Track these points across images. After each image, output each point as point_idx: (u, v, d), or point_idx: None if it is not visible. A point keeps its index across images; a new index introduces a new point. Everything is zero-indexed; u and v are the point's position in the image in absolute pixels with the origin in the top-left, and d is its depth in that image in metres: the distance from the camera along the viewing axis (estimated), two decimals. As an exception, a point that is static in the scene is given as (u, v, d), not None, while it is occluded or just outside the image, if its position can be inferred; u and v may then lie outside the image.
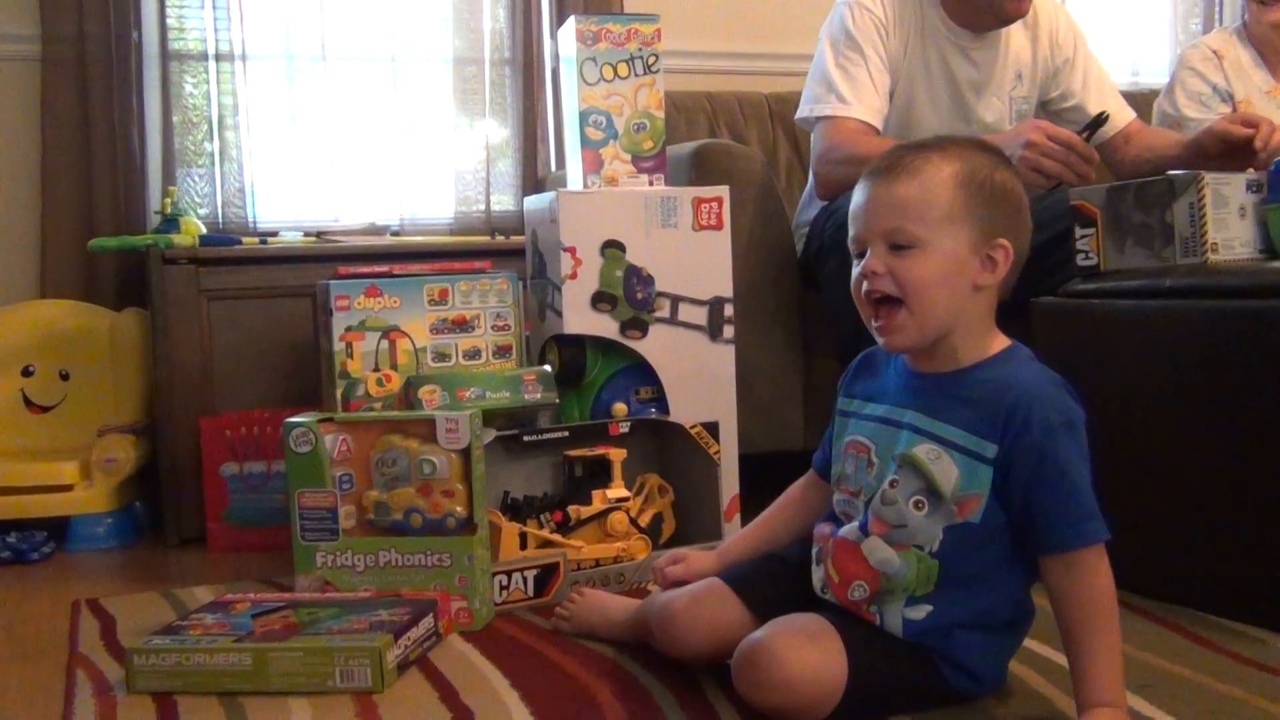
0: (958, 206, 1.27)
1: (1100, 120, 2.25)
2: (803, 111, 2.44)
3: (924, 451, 1.29)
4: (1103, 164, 2.48)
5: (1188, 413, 1.60)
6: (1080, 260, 1.94)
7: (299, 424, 1.76)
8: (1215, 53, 2.77)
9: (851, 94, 2.33)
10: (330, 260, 2.44)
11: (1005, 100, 2.46)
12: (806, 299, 2.43)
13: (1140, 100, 3.14)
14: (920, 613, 1.29)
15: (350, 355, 2.01)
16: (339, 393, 2.01)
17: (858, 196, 1.33)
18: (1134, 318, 1.77)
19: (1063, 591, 1.23)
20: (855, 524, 1.34)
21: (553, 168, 3.11)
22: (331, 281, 2.03)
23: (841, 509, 1.39)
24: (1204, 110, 2.71)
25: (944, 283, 1.27)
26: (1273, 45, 2.76)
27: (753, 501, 2.22)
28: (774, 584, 1.45)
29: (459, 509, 1.74)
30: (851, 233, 1.33)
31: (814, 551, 1.42)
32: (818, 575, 1.39)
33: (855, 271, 1.32)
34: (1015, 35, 2.45)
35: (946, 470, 1.27)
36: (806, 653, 1.26)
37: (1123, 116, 2.51)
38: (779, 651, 1.26)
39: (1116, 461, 1.64)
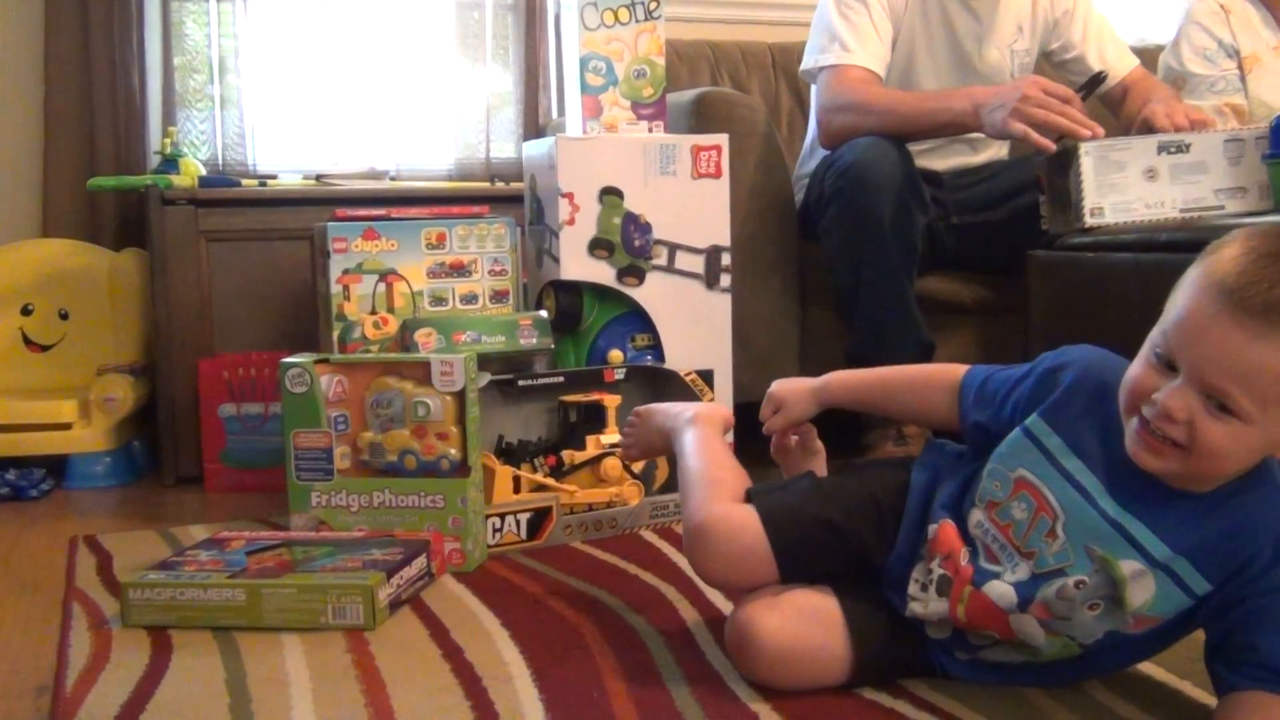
0: None
1: (1099, 79, 2.25)
2: (807, 63, 2.43)
3: (1130, 569, 1.11)
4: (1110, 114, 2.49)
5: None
6: (1042, 224, 2.03)
7: (295, 364, 1.77)
8: (1223, 7, 2.74)
9: (855, 42, 2.32)
10: (329, 203, 2.44)
11: (1006, 52, 2.44)
12: (805, 249, 2.42)
13: (1147, 55, 3.12)
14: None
15: (347, 298, 2.01)
16: (335, 335, 2.01)
17: (1200, 304, 1.03)
18: (1127, 270, 1.78)
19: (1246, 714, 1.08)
20: (1010, 589, 1.17)
21: (555, 115, 3.10)
22: (329, 224, 2.03)
23: (985, 541, 1.20)
24: (1209, 66, 2.69)
25: (1240, 462, 1.07)
26: (1280, 2, 2.74)
27: (747, 450, 2.23)
28: (818, 561, 1.31)
29: (453, 451, 1.75)
30: (1170, 340, 1.06)
31: (932, 571, 1.23)
32: (932, 605, 1.23)
33: (1146, 377, 1.08)
34: None
35: (1143, 589, 1.12)
36: (793, 631, 1.25)
37: (1122, 66, 2.50)
38: (766, 632, 1.25)
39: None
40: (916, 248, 2.17)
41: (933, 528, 1.24)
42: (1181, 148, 1.97)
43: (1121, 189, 1.95)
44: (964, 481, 1.26)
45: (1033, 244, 2.06)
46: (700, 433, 1.51)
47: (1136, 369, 1.10)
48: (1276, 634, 1.08)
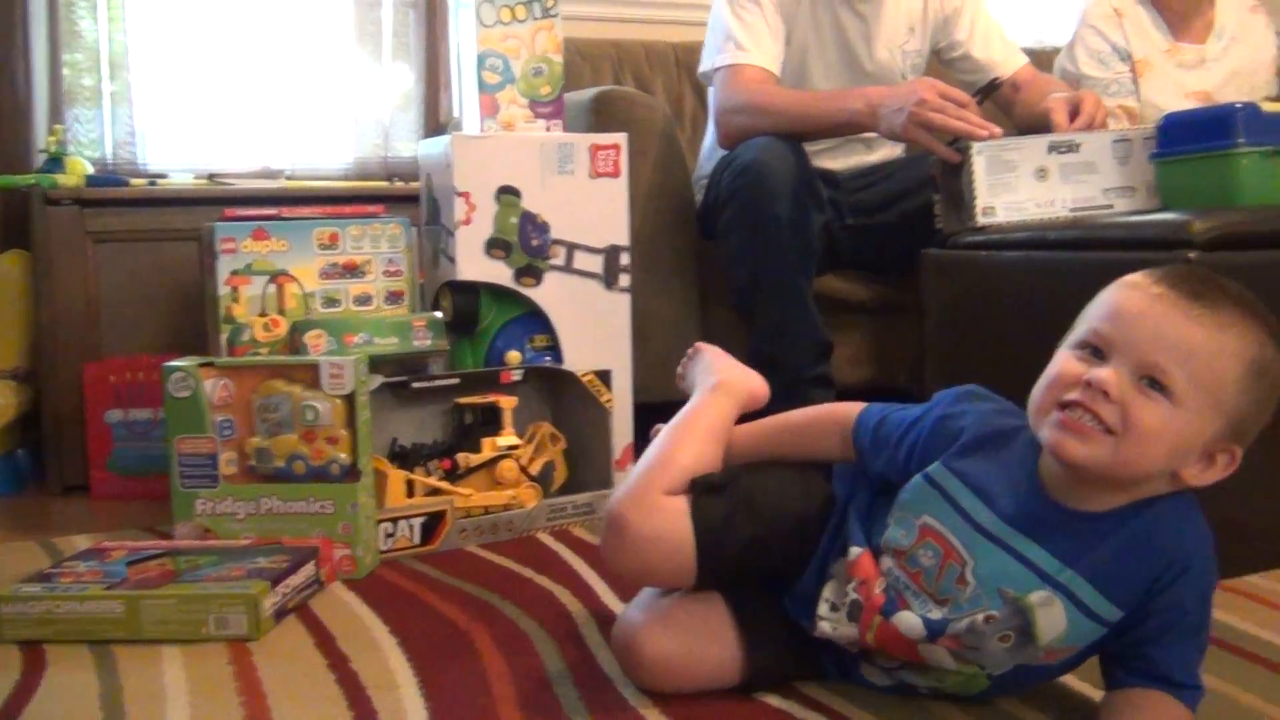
0: (1233, 392, 1.04)
1: (993, 86, 2.26)
2: (704, 66, 2.43)
3: (1038, 598, 1.09)
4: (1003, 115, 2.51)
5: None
6: (936, 223, 2.05)
7: (178, 368, 1.72)
8: (1116, 11, 2.79)
9: (750, 41, 2.32)
10: (219, 203, 2.38)
11: (896, 53, 2.46)
12: (705, 249, 2.42)
13: (1044, 58, 3.17)
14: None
15: (236, 299, 1.97)
16: (224, 338, 1.97)
17: (1136, 299, 1.07)
18: (1018, 268, 1.79)
19: (1135, 708, 1.11)
20: (918, 621, 1.15)
21: (455, 114, 3.06)
22: (217, 224, 1.98)
23: (897, 588, 1.17)
24: (1103, 69, 2.73)
25: (1165, 451, 1.05)
26: (1171, 6, 2.79)
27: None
28: (736, 576, 1.28)
29: (343, 455, 1.71)
30: (1101, 329, 1.07)
31: (847, 594, 1.20)
32: (842, 628, 1.20)
33: (1071, 365, 1.07)
34: None
35: (1054, 621, 1.10)
36: (679, 643, 1.24)
37: (1010, 65, 2.52)
38: (650, 645, 1.24)
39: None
40: (814, 247, 2.18)
41: (854, 551, 1.22)
42: (1071, 148, 1.99)
43: (1013, 188, 1.97)
44: (877, 511, 1.24)
45: (927, 243, 2.07)
46: (704, 401, 1.43)
47: (1057, 364, 1.09)
48: (1170, 647, 1.10)
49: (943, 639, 1.14)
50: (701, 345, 1.59)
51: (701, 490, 1.28)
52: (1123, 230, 1.69)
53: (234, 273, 1.97)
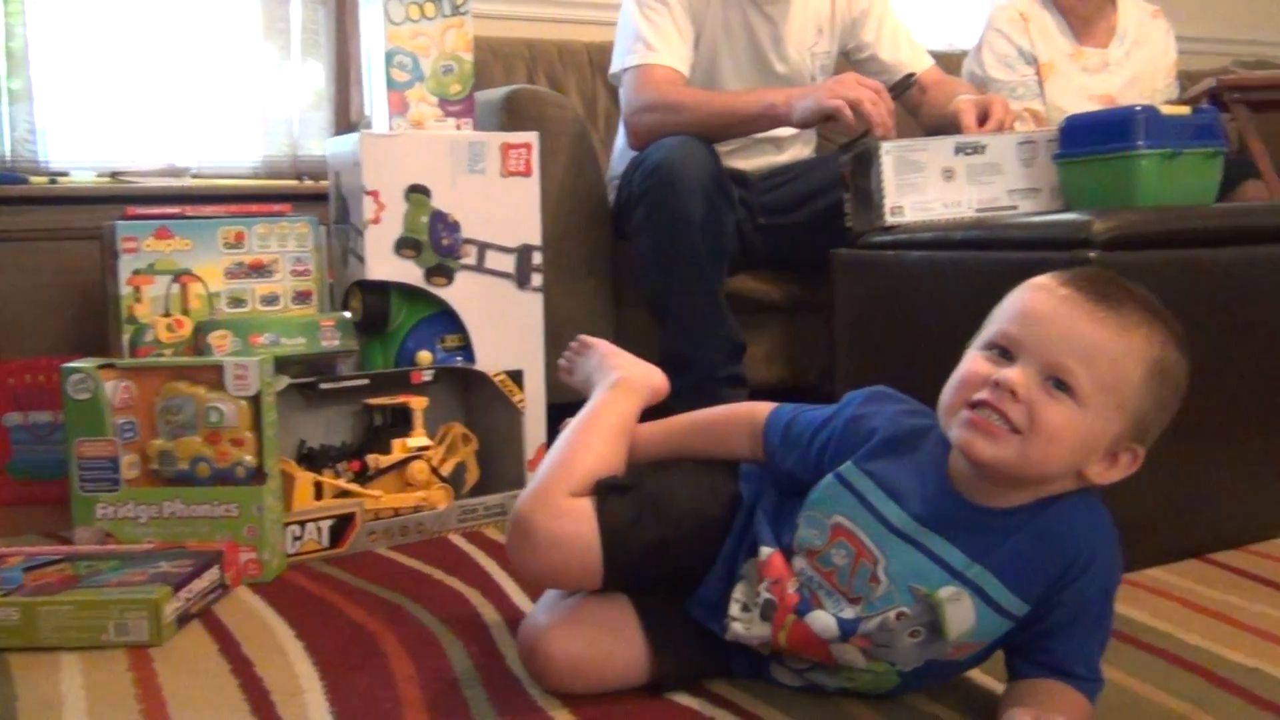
0: (1136, 393, 1.06)
1: (908, 83, 2.29)
2: (614, 68, 2.43)
3: (946, 593, 1.11)
4: (909, 115, 2.54)
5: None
6: (846, 222, 2.08)
7: (77, 370, 1.68)
8: (1021, 15, 2.84)
9: (659, 42, 2.33)
10: (122, 201, 2.32)
11: (805, 54, 2.48)
12: (618, 249, 2.42)
13: (952, 61, 3.21)
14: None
15: (138, 299, 1.93)
16: (126, 339, 1.92)
17: (1044, 300, 1.09)
18: (924, 267, 1.82)
19: (1053, 696, 1.12)
20: (832, 621, 1.15)
21: (366, 112, 3.03)
22: (118, 222, 1.94)
23: (811, 587, 1.18)
24: (1009, 72, 2.78)
25: (1070, 450, 1.07)
26: (1075, 11, 2.84)
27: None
28: (643, 580, 1.27)
29: (248, 458, 1.68)
30: (1008, 330, 1.09)
31: (759, 595, 1.21)
32: (755, 628, 1.21)
33: (979, 366, 1.09)
34: None
35: (962, 616, 1.11)
36: (584, 643, 1.24)
37: (917, 66, 2.55)
38: (556, 646, 1.24)
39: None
40: (726, 247, 2.19)
41: (765, 551, 1.22)
42: (977, 149, 2.02)
43: (920, 188, 1.99)
44: (784, 511, 1.24)
45: (838, 243, 2.09)
46: (605, 399, 1.42)
47: (966, 365, 1.11)
48: (1071, 641, 1.12)
49: (855, 638, 1.14)
50: (589, 339, 1.58)
51: (606, 492, 1.27)
52: (1025, 230, 1.72)
53: (136, 272, 1.93)
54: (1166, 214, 1.70)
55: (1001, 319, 1.11)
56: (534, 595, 1.56)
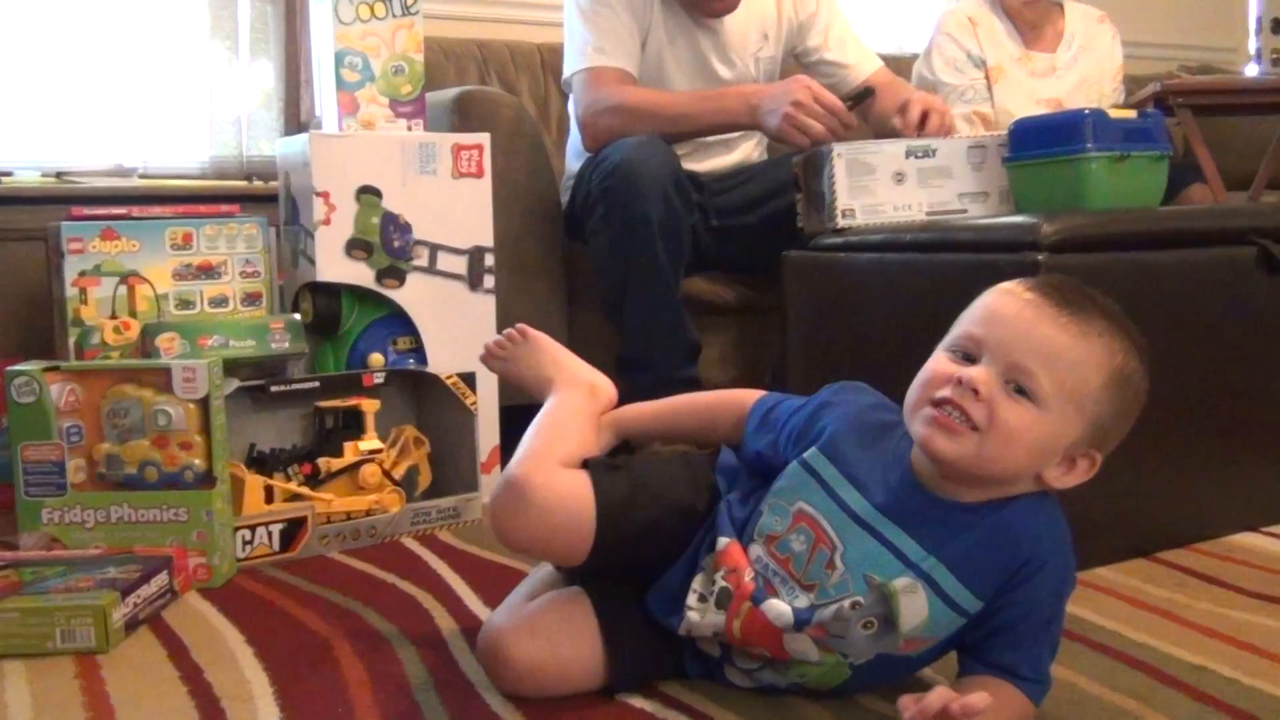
0: (1096, 399, 1.08)
1: (866, 93, 2.28)
2: (565, 74, 2.42)
3: (901, 584, 1.12)
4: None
5: (925, 358, 1.67)
6: (798, 223, 2.09)
7: (21, 373, 1.65)
8: (970, 20, 2.86)
9: (607, 43, 2.33)
10: (68, 202, 2.30)
11: (749, 60, 2.48)
12: (572, 250, 2.41)
13: (903, 65, 3.23)
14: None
15: (84, 301, 1.90)
16: (72, 341, 1.90)
17: (1008, 304, 1.11)
18: (875, 269, 1.83)
19: (993, 690, 1.11)
20: (787, 609, 1.15)
21: (316, 112, 3.01)
22: (64, 223, 1.92)
23: (766, 575, 1.19)
24: (959, 75, 2.80)
25: (1028, 452, 1.09)
26: (1023, 16, 2.87)
27: (513, 452, 2.21)
28: (627, 559, 1.26)
29: (197, 461, 1.67)
30: (973, 332, 1.11)
31: (715, 583, 1.20)
32: (709, 616, 1.20)
33: (944, 365, 1.12)
34: None
35: (915, 609, 1.12)
36: (545, 648, 1.23)
37: (865, 69, 2.55)
38: (517, 650, 1.23)
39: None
40: (684, 248, 2.18)
41: (722, 541, 1.22)
42: (928, 153, 2.04)
43: (872, 191, 2.00)
44: (749, 504, 1.25)
45: (791, 245, 2.09)
46: (573, 395, 1.43)
47: (931, 365, 1.13)
48: (1018, 641, 1.13)
49: (810, 628, 1.15)
50: (530, 332, 1.55)
51: (600, 468, 1.26)
52: (974, 233, 1.73)
53: (82, 274, 1.91)
54: (1113, 217, 1.72)
55: (967, 321, 1.14)
56: (488, 597, 1.56)
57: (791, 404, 1.28)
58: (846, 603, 1.13)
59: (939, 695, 1.04)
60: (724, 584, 1.20)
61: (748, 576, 1.19)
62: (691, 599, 1.22)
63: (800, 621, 1.15)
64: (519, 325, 1.56)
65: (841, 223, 1.97)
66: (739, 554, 1.21)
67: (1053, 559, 1.13)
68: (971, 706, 1.01)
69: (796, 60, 2.58)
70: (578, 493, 1.23)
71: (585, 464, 1.28)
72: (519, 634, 1.23)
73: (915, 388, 1.13)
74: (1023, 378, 1.07)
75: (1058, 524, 1.14)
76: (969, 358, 1.11)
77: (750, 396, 1.34)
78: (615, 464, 1.29)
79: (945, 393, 1.09)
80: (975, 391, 1.07)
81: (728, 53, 2.44)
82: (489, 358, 1.57)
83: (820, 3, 2.54)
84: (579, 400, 1.42)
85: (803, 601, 1.16)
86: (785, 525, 1.19)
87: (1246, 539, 1.78)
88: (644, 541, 1.25)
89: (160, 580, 1.55)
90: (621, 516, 1.23)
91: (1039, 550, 1.12)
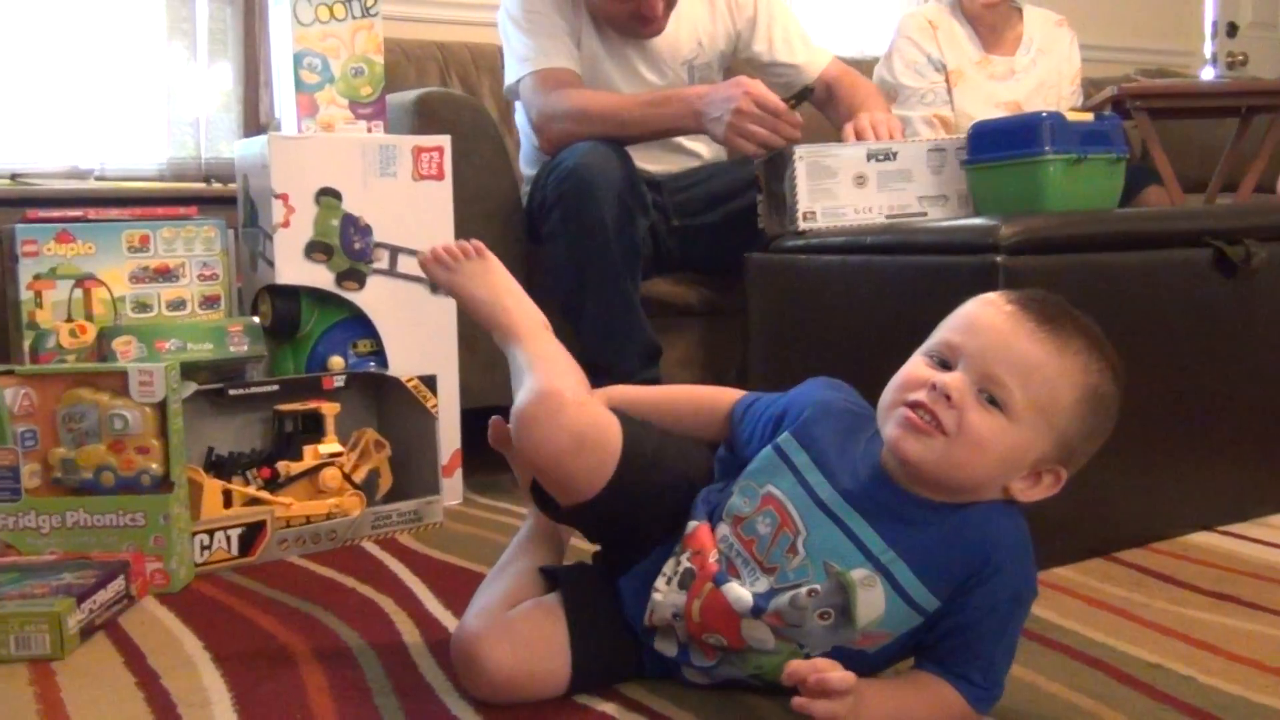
0: (1066, 416, 1.09)
1: (806, 92, 2.28)
2: (508, 82, 2.40)
3: (859, 576, 1.12)
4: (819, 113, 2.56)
5: (885, 359, 1.68)
6: (759, 224, 2.10)
7: (-25, 377, 1.64)
8: (930, 23, 2.88)
9: (549, 45, 2.32)
10: (23, 204, 2.28)
11: (682, 69, 2.46)
12: (533, 252, 2.41)
13: (864, 68, 3.24)
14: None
15: (39, 304, 1.89)
16: (27, 345, 1.88)
17: (988, 314, 1.13)
18: (836, 271, 1.83)
19: (923, 686, 1.14)
20: (746, 594, 1.16)
21: (275, 114, 2.99)
22: (18, 225, 1.90)
23: (729, 556, 1.19)
24: (919, 78, 2.82)
25: (994, 461, 1.10)
26: (983, 20, 2.89)
27: (475, 455, 2.20)
28: (636, 516, 1.26)
29: (154, 466, 1.65)
30: (951, 339, 1.13)
31: (680, 564, 1.21)
32: (671, 596, 1.21)
33: (919, 370, 1.13)
34: (689, 2, 2.44)
35: (873, 603, 1.12)
36: (520, 659, 1.22)
37: (815, 65, 2.54)
38: (493, 661, 1.21)
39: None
40: (639, 251, 2.18)
41: (692, 524, 1.23)
42: (889, 156, 2.05)
43: (833, 194, 2.01)
44: (723, 491, 1.25)
45: (753, 245, 2.10)
46: (550, 341, 1.39)
47: (907, 369, 1.14)
48: (970, 644, 1.13)
49: (767, 615, 1.15)
50: (487, 252, 1.47)
51: (627, 418, 1.25)
52: (934, 235, 1.74)
53: (37, 277, 1.89)
54: (1071, 219, 1.73)
55: (946, 328, 1.15)
56: (448, 600, 1.56)
57: (773, 396, 1.29)
58: (804, 590, 1.14)
59: (809, 664, 1.07)
60: (689, 565, 1.20)
61: (712, 558, 1.20)
62: (660, 581, 1.22)
63: (758, 608, 1.15)
64: (474, 241, 1.47)
65: (803, 225, 1.98)
66: (707, 536, 1.21)
67: (1009, 565, 1.13)
68: (826, 681, 1.05)
69: (747, 65, 2.57)
70: (608, 425, 1.22)
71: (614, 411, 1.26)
72: (495, 644, 1.22)
73: (890, 390, 1.15)
74: (996, 388, 1.08)
75: (1018, 532, 1.15)
76: (945, 364, 1.12)
77: (732, 396, 1.34)
78: (642, 420, 1.29)
79: (918, 396, 1.10)
80: (948, 397, 1.08)
81: (659, 62, 2.43)
82: (431, 263, 1.46)
83: (758, 5, 2.52)
84: (561, 348, 1.38)
85: (762, 585, 1.16)
86: (753, 507, 1.19)
87: (1203, 538, 1.80)
88: (647, 504, 1.25)
89: (117, 586, 1.53)
90: (642, 467, 1.23)
91: (997, 555, 1.12)
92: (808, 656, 1.17)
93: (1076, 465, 1.14)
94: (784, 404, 1.26)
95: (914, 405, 1.10)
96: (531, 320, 1.41)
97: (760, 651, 1.19)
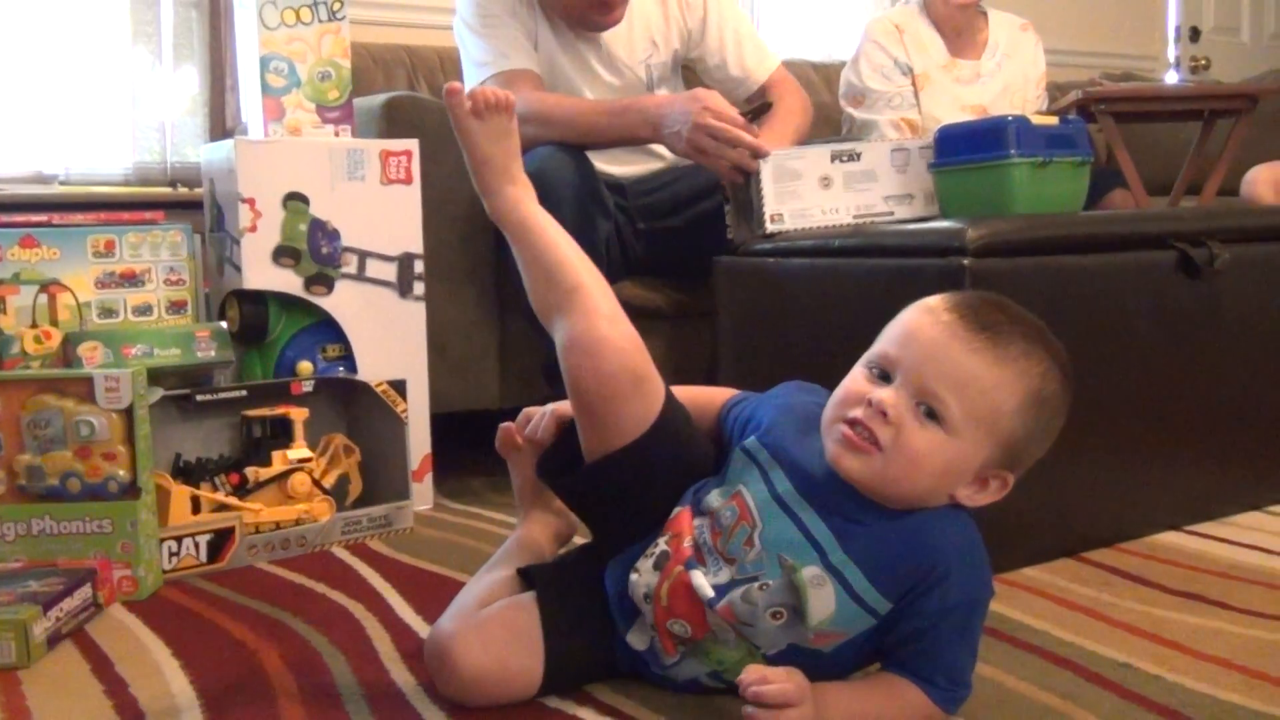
0: (1008, 422, 1.10)
1: (764, 108, 2.25)
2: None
3: (810, 575, 1.12)
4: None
5: (853, 362, 1.69)
6: (727, 232, 2.10)
7: (-62, 383, 1.62)
8: (897, 27, 2.89)
9: (508, 48, 2.31)
10: (-14, 209, 2.26)
11: (639, 67, 2.45)
12: (502, 256, 2.40)
13: (831, 72, 3.26)
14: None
15: (3, 310, 1.87)
16: (-9, 351, 1.86)
17: (925, 325, 1.12)
18: (804, 273, 1.84)
19: (888, 687, 1.15)
20: (707, 587, 1.16)
21: (242, 118, 2.97)
22: (-19, 231, 1.88)
23: (702, 542, 1.20)
24: (886, 82, 2.83)
25: (934, 475, 1.11)
26: (952, 23, 2.90)
27: (446, 460, 2.20)
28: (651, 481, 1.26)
29: (121, 472, 1.64)
30: (889, 351, 1.12)
31: (658, 546, 1.22)
32: (646, 576, 1.21)
33: (858, 384, 1.13)
34: (641, 2, 2.44)
35: (823, 602, 1.12)
36: (493, 657, 1.21)
37: (763, 70, 2.52)
38: (465, 659, 1.21)
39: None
40: (601, 254, 2.17)
41: (675, 510, 1.24)
42: (853, 157, 2.05)
43: (799, 196, 2.01)
44: (709, 485, 1.26)
45: (720, 248, 2.10)
46: (553, 223, 1.36)
47: (847, 382, 1.14)
48: (930, 648, 1.14)
49: (719, 606, 1.15)
50: (513, 111, 1.40)
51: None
52: (901, 238, 1.75)
53: (1, 282, 1.87)
54: (1037, 221, 1.74)
55: (885, 339, 1.15)
56: (419, 605, 1.56)
57: (752, 400, 1.30)
58: (755, 585, 1.14)
59: (757, 674, 1.09)
60: (665, 548, 1.21)
61: (686, 542, 1.20)
62: (640, 561, 1.23)
63: (716, 598, 1.16)
64: (509, 94, 1.38)
65: (770, 228, 1.98)
66: (686, 521, 1.22)
67: (958, 569, 1.13)
68: (760, 695, 1.07)
69: (692, 68, 2.56)
70: (656, 376, 1.22)
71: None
72: (468, 642, 1.22)
73: (831, 405, 1.15)
74: (933, 401, 1.09)
75: (965, 536, 1.15)
76: (885, 376, 1.12)
77: (724, 395, 1.34)
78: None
79: (856, 413, 1.11)
80: (884, 414, 1.09)
81: (615, 62, 2.42)
82: (458, 99, 1.36)
83: (709, 7, 2.50)
84: (573, 245, 1.35)
85: (724, 576, 1.17)
86: (723, 502, 1.20)
87: (1170, 538, 1.81)
88: (664, 471, 1.25)
89: (84, 593, 1.52)
90: (674, 429, 1.23)
91: (943, 560, 1.12)
92: (766, 657, 1.17)
93: (1025, 466, 1.15)
94: (754, 406, 1.28)
95: (851, 422, 1.11)
96: (533, 204, 1.39)
97: (719, 643, 1.19)
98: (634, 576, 1.22)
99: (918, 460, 1.09)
